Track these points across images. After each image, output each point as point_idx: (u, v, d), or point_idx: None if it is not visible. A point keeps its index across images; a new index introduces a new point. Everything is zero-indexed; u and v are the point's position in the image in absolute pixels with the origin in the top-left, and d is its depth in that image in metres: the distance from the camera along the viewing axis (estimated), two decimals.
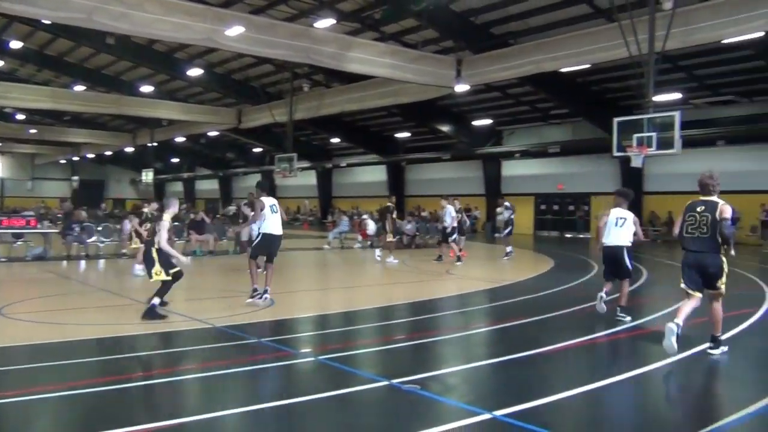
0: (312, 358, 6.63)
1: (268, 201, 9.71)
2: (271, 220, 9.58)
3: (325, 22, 20.28)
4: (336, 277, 15.48)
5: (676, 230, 6.82)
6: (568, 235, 32.30)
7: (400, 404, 5.13)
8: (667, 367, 6.41)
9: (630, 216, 8.82)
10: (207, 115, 35.84)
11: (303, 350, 7.05)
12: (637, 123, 15.78)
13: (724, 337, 6.82)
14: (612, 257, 8.87)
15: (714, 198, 6.61)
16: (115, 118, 43.51)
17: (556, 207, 33.71)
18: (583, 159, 30.70)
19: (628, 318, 8.61)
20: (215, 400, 5.37)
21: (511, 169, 34.93)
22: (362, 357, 6.89)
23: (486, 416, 4.72)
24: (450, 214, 17.04)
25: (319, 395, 5.28)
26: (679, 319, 6.41)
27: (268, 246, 9.65)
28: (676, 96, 24.02)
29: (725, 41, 17.53)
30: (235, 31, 17.48)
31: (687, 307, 6.56)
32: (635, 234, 8.78)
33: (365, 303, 10.26)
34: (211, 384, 5.82)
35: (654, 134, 15.24)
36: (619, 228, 8.74)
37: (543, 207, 34.08)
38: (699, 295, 6.62)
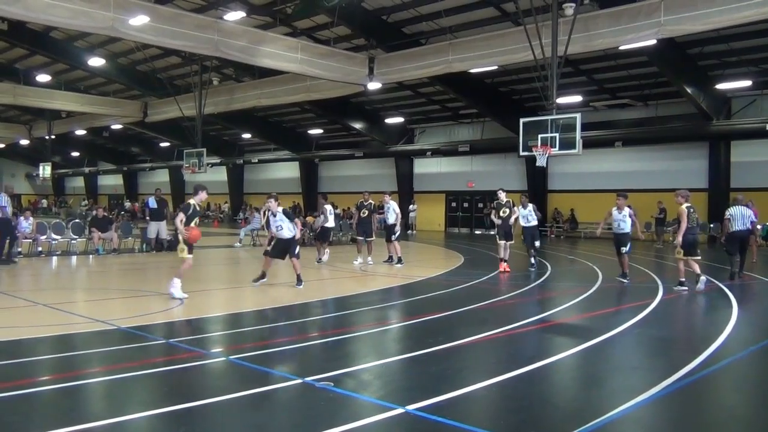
0: (223, 358, 6.49)
1: (329, 206, 16.10)
2: (330, 219, 16.10)
3: (234, 15, 19.85)
4: (247, 275, 15.20)
5: (685, 226, 11.12)
6: (478, 232, 33.14)
7: (313, 402, 5.10)
8: (572, 357, 6.74)
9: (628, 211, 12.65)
10: (109, 107, 34.23)
11: (213, 350, 6.88)
12: (542, 124, 16.39)
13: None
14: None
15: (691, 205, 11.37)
16: (8, 109, 40.83)
17: (466, 204, 34.53)
18: (492, 157, 31.61)
19: (626, 280, 12.40)
20: (121, 403, 5.15)
21: (422, 166, 35.51)
22: (275, 356, 6.80)
23: (399, 411, 4.78)
24: (393, 211, 15.96)
25: (230, 395, 5.17)
26: (700, 272, 11.24)
27: (326, 234, 16.38)
28: (578, 99, 25.18)
29: (622, 47, 18.51)
30: (139, 20, 16.79)
31: (696, 265, 11.30)
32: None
33: (278, 301, 10.14)
34: (117, 387, 5.57)
35: (557, 135, 15.89)
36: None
37: (453, 204, 34.84)
38: (698, 257, 11.43)
